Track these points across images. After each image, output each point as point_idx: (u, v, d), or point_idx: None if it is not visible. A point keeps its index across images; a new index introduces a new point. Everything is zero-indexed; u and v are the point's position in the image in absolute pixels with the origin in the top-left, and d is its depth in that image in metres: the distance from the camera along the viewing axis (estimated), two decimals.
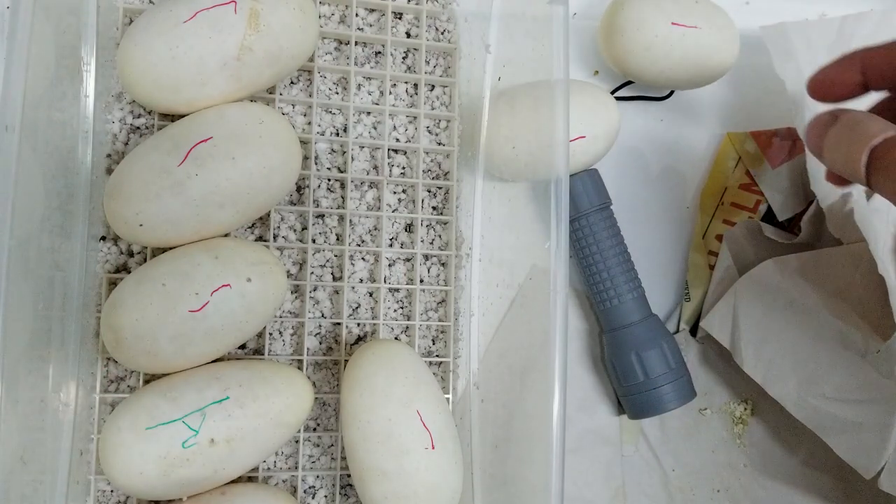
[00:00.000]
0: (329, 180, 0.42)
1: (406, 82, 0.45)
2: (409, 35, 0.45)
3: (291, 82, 0.43)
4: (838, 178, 0.34)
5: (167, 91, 0.35)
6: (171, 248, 0.37)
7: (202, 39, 0.35)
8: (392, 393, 0.36)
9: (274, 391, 0.36)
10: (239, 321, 0.35)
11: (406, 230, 0.44)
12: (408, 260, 0.44)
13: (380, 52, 0.44)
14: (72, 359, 0.37)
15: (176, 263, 0.35)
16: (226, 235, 0.39)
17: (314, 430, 0.41)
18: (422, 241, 0.44)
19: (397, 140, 0.44)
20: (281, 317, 0.41)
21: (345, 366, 0.42)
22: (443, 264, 0.44)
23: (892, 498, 0.42)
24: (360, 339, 0.42)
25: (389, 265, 0.43)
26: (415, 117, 0.44)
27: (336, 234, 0.42)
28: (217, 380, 0.35)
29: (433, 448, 0.36)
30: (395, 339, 0.43)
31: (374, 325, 0.42)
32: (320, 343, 0.42)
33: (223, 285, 0.35)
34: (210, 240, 0.37)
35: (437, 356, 0.44)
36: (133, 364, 0.35)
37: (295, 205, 0.42)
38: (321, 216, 0.42)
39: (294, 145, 0.37)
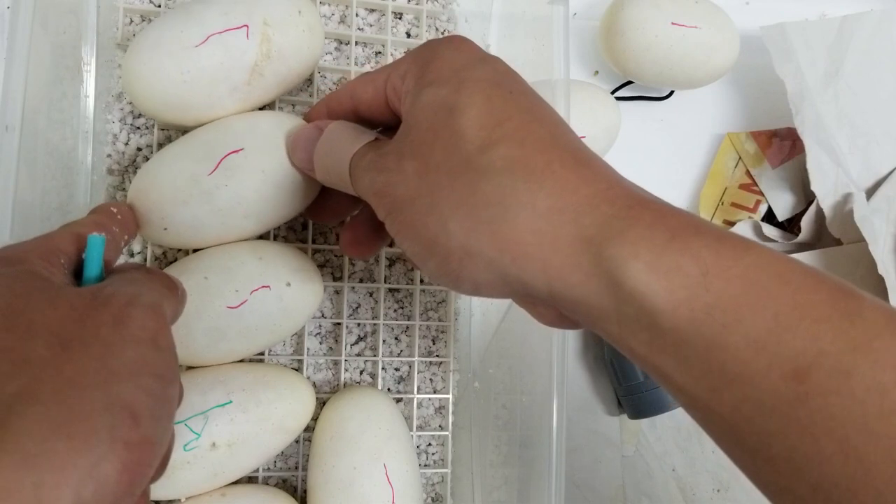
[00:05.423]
0: None
1: None
2: (409, 35, 0.45)
3: None
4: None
5: (176, 110, 0.35)
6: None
7: (213, 64, 0.34)
8: (362, 442, 0.36)
9: (277, 396, 0.36)
10: (273, 323, 0.36)
11: None
12: (408, 259, 0.44)
13: (380, 52, 0.44)
14: None
15: (220, 259, 0.35)
16: None
17: (314, 430, 0.41)
18: None
19: None
20: None
21: (345, 367, 0.42)
22: None
23: None
24: (360, 339, 0.42)
25: (389, 265, 0.43)
26: None
27: (336, 234, 0.42)
28: (221, 383, 0.35)
29: None
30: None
31: (375, 325, 0.42)
32: (320, 343, 0.42)
33: (263, 286, 0.35)
34: (255, 241, 0.37)
35: (437, 356, 0.44)
36: None
37: None
38: None
39: None
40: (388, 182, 0.27)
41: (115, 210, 0.30)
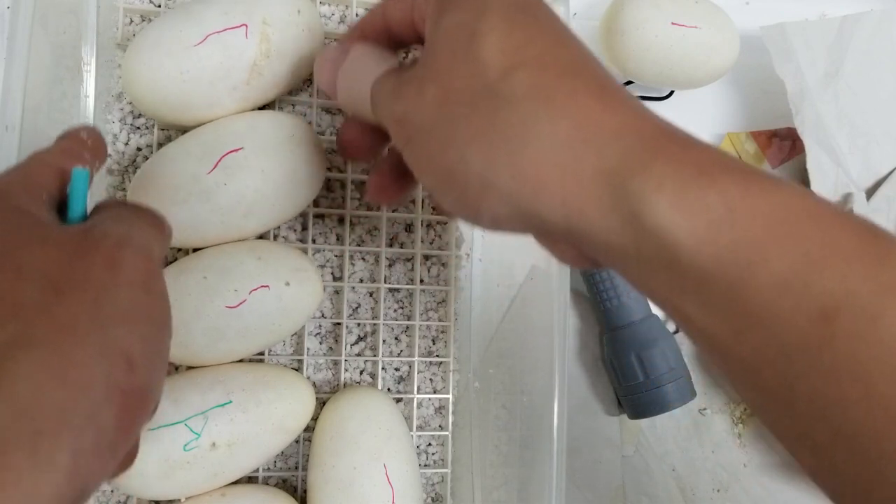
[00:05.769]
0: (329, 180, 0.42)
1: None
2: None
3: None
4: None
5: (176, 110, 0.35)
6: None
7: (213, 64, 0.34)
8: (361, 442, 0.36)
9: (277, 396, 0.36)
10: (272, 323, 0.36)
11: (406, 230, 0.44)
12: (408, 260, 0.44)
13: None
14: None
15: (219, 258, 0.35)
16: None
17: (314, 430, 0.41)
18: (422, 242, 0.44)
19: None
20: None
21: (345, 367, 0.42)
22: (443, 264, 0.44)
23: None
24: (360, 339, 0.42)
25: (389, 265, 0.43)
26: None
27: (336, 234, 0.42)
28: (220, 383, 0.35)
29: None
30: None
31: (375, 325, 0.42)
32: (320, 343, 0.42)
33: (262, 286, 0.35)
34: (255, 241, 0.38)
35: (437, 356, 0.44)
36: None
37: None
38: (321, 216, 0.42)
39: (321, 159, 0.38)
40: (407, 110, 0.26)
41: (84, 136, 0.27)
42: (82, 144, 0.26)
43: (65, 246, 0.21)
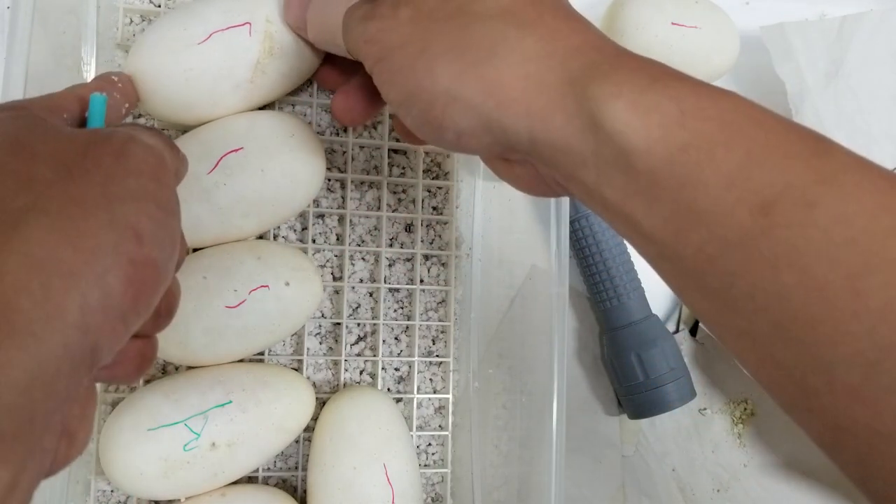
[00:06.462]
0: (329, 180, 0.42)
1: None
2: None
3: None
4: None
5: (178, 109, 0.35)
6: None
7: (216, 62, 0.34)
8: (361, 442, 0.37)
9: (276, 396, 0.36)
10: (272, 323, 0.36)
11: (406, 230, 0.44)
12: (408, 260, 0.44)
13: None
14: None
15: (219, 259, 0.35)
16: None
17: (314, 430, 0.41)
18: (421, 241, 0.44)
19: (397, 140, 0.44)
20: None
21: (345, 367, 0.42)
22: (443, 264, 0.44)
23: None
24: (360, 339, 0.42)
25: (389, 265, 0.43)
26: None
27: (336, 234, 0.42)
28: (220, 383, 0.35)
29: None
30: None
31: (375, 325, 0.42)
32: (320, 343, 0.42)
33: (262, 286, 0.35)
34: (254, 241, 0.38)
35: (437, 356, 0.44)
36: (163, 353, 0.35)
37: None
38: (321, 216, 0.42)
39: (321, 160, 0.38)
40: (380, 28, 0.28)
41: (115, 78, 0.30)
42: (112, 84, 0.28)
43: (77, 140, 0.22)
